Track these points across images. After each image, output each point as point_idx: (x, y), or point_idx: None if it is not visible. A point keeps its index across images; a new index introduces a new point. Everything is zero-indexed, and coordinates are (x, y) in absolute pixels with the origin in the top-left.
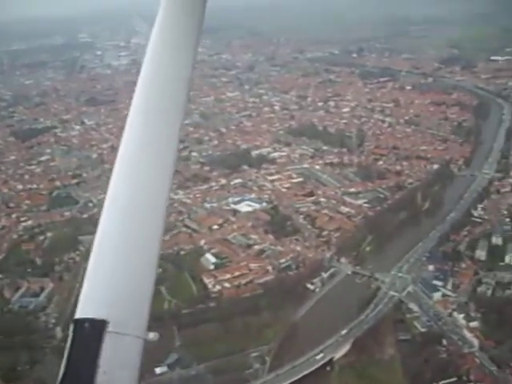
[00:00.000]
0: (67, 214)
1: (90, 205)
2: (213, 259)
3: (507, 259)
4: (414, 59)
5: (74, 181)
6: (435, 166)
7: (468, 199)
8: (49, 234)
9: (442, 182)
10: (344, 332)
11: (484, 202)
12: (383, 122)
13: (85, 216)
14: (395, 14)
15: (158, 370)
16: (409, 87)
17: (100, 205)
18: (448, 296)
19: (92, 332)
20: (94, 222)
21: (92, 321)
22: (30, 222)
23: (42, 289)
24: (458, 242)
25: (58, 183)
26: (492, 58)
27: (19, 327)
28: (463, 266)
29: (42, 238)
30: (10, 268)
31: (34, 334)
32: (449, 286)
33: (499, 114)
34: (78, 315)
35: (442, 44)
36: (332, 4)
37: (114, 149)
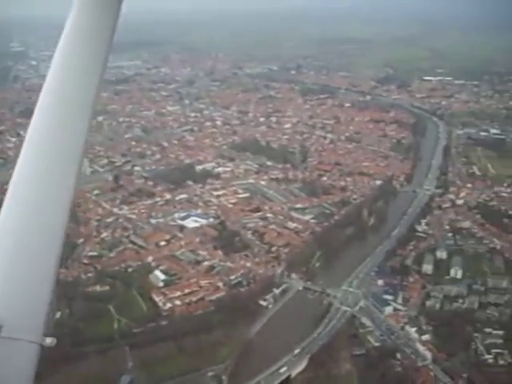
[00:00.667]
0: None
1: None
2: (162, 276)
3: (452, 273)
4: (351, 77)
5: None
6: (378, 182)
7: (411, 215)
8: None
9: (386, 198)
10: (299, 349)
11: (427, 217)
12: (325, 138)
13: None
14: (325, 34)
15: None
16: (348, 104)
17: None
18: (399, 310)
19: None
20: None
21: None
22: None
23: None
24: (404, 257)
25: None
26: (425, 77)
27: None
28: (411, 280)
29: None
30: None
31: None
32: (399, 300)
33: (435, 131)
34: None
35: (375, 63)
36: (264, 23)
37: None
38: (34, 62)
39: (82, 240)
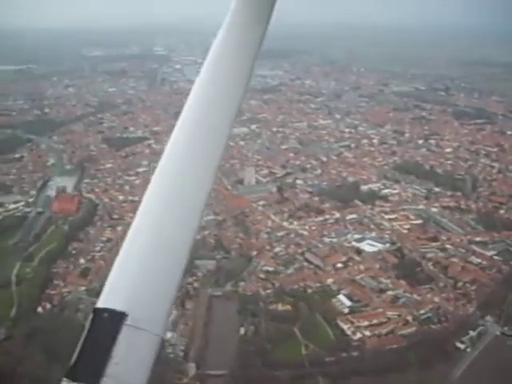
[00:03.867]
0: None
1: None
2: (348, 302)
3: None
4: (506, 102)
5: None
6: None
7: None
8: None
9: None
10: None
11: None
12: (492, 167)
13: (196, 237)
14: (468, 55)
15: None
16: (510, 132)
17: (208, 226)
18: None
19: (110, 322)
20: (207, 246)
21: (112, 311)
22: None
23: None
24: None
25: None
26: None
27: None
28: None
29: None
30: None
31: None
32: None
33: None
34: (99, 305)
35: None
36: (401, 38)
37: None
38: (178, 66)
39: (255, 252)
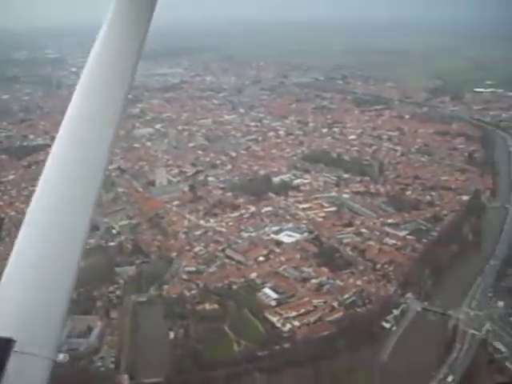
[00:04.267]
0: (91, 241)
1: (113, 231)
2: (274, 295)
3: None
4: (400, 88)
5: None
6: (464, 197)
7: (509, 232)
8: None
9: (477, 214)
10: (441, 375)
11: None
12: (395, 150)
13: (112, 244)
14: (362, 45)
15: None
16: (407, 116)
17: (123, 231)
18: None
19: None
20: (124, 251)
21: None
22: None
23: (90, 328)
24: None
25: None
26: (475, 89)
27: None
28: None
29: None
30: None
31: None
32: None
33: (504, 145)
34: None
35: (421, 74)
36: (295, 32)
37: (122, 171)
38: (73, 69)
39: (175, 254)
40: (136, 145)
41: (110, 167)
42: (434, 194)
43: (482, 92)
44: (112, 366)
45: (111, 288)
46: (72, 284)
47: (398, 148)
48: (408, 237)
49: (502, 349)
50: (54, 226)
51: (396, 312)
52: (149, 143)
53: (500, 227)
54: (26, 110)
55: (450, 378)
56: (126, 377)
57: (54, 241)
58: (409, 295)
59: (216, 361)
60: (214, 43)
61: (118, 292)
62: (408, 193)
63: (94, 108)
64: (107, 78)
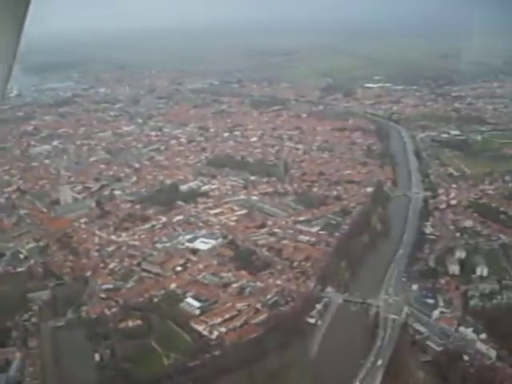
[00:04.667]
0: None
1: (21, 256)
2: (196, 303)
3: (478, 271)
4: (294, 88)
5: None
6: (369, 189)
7: (413, 218)
8: None
9: (382, 204)
10: (369, 362)
11: (429, 219)
12: (297, 149)
13: (21, 269)
14: (250, 47)
15: None
16: (304, 115)
17: (31, 255)
18: (445, 312)
19: None
20: (36, 276)
21: None
22: None
23: (9, 361)
24: (426, 260)
25: None
26: (365, 85)
27: None
28: (443, 281)
29: None
30: None
31: None
32: (441, 303)
33: (398, 136)
34: None
35: (311, 73)
36: (187, 38)
37: (23, 192)
38: None
39: (90, 273)
40: (34, 163)
41: (9, 189)
42: (339, 188)
43: (371, 87)
44: None
45: (26, 316)
46: None
47: (300, 146)
48: (320, 232)
49: (422, 329)
50: None
51: (319, 307)
52: (47, 161)
53: (405, 214)
54: None
55: (379, 362)
56: None
57: None
58: (329, 289)
59: (147, 378)
60: (104, 54)
61: (34, 319)
62: (315, 189)
63: None
64: None
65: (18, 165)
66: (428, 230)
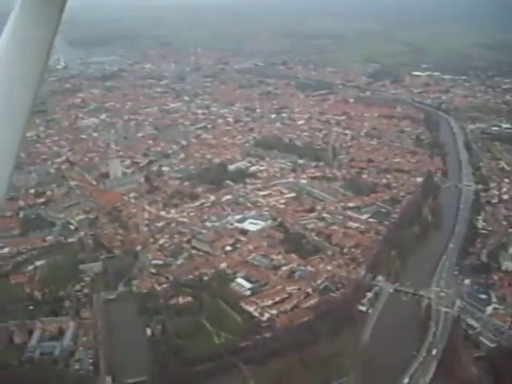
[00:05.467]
0: (49, 238)
1: (71, 227)
2: (247, 284)
3: None
4: (341, 72)
5: (40, 200)
6: (419, 179)
7: (465, 211)
8: (38, 263)
9: (433, 194)
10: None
11: (481, 213)
12: (345, 134)
13: (71, 240)
14: (294, 29)
15: None
16: (351, 100)
17: (82, 227)
18: (498, 309)
19: None
20: (86, 248)
21: None
22: (6, 250)
23: (62, 330)
24: (478, 254)
25: (21, 203)
26: (413, 72)
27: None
28: (495, 277)
29: (30, 267)
30: (7, 307)
31: None
32: (494, 299)
33: (448, 126)
34: None
35: (358, 58)
36: (228, 17)
37: (72, 163)
38: None
39: (140, 247)
40: (82, 136)
41: (58, 160)
42: (389, 176)
43: (419, 75)
44: (91, 368)
45: (78, 286)
46: None
47: (348, 132)
48: (370, 220)
49: (475, 324)
50: None
51: (370, 295)
52: (95, 134)
53: (456, 206)
54: None
55: (432, 353)
56: (108, 378)
57: None
58: (379, 277)
59: (199, 355)
60: (149, 30)
61: (86, 290)
62: (364, 176)
63: (4, 96)
64: (18, 66)
65: (66, 136)
66: (480, 224)
